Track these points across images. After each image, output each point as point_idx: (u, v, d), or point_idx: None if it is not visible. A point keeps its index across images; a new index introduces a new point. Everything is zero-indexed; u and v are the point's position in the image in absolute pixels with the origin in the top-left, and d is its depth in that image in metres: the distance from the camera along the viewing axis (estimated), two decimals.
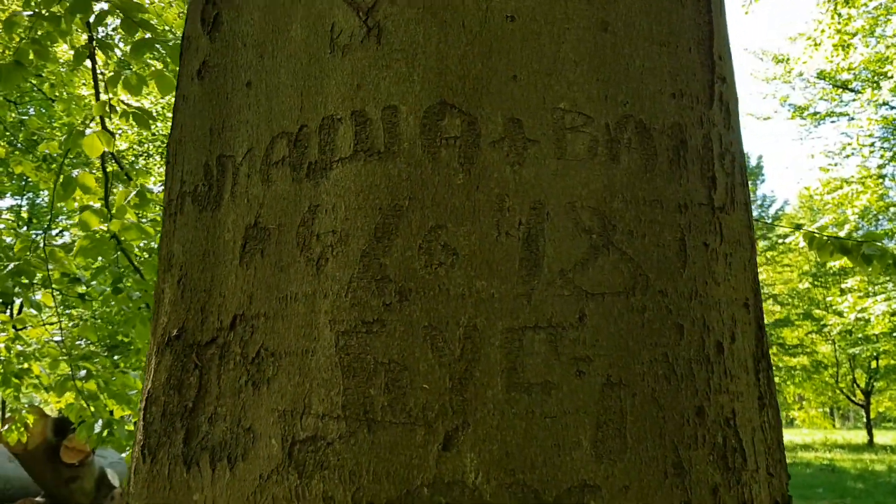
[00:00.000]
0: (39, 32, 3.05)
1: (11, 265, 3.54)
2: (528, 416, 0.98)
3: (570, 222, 1.06)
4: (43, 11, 3.00)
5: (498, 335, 1.01)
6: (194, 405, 1.13)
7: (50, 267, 3.77)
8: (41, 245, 3.80)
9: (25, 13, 3.08)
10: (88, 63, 4.11)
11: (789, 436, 32.25)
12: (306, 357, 1.04)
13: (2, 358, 4.94)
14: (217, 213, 1.20)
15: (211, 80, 1.28)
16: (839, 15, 15.30)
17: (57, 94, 6.75)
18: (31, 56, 3.12)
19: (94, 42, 3.57)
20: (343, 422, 0.99)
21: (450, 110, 1.07)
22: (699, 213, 1.16)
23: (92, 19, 3.09)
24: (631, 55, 1.17)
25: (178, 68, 1.46)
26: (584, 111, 1.11)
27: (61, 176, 3.49)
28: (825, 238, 3.46)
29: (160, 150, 14.40)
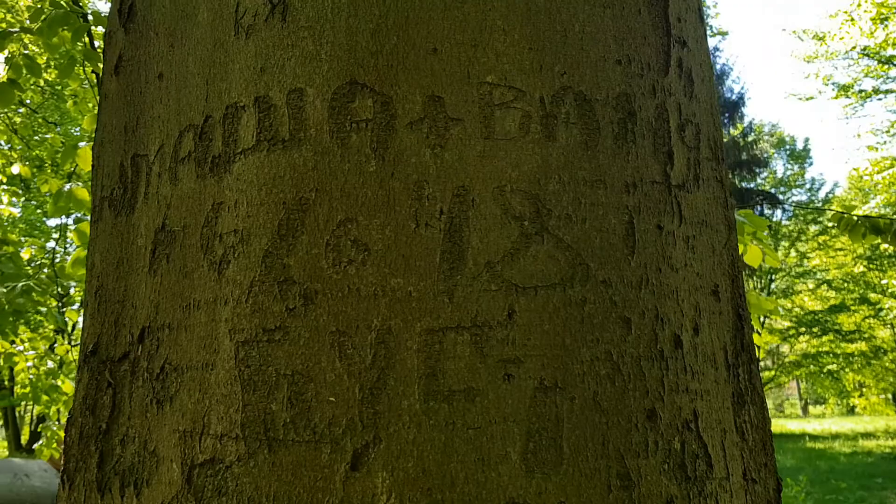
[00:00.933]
0: (31, 48, 3.04)
1: (20, 284, 3.53)
2: (449, 428, 0.87)
3: (499, 209, 0.95)
4: (31, 26, 2.97)
5: (415, 338, 0.90)
6: (108, 426, 1.04)
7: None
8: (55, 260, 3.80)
9: (12, 30, 3.06)
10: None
11: (850, 424, 31.38)
12: (206, 371, 0.94)
13: (31, 376, 4.97)
14: (131, 217, 1.11)
15: (125, 74, 1.19)
16: None
17: (81, 109, 6.81)
18: (24, 72, 3.10)
19: (86, 50, 3.54)
20: (242, 442, 0.89)
21: (361, 90, 0.97)
22: (652, 192, 1.04)
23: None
24: (569, 20, 1.05)
25: None
26: (515, 84, 1.00)
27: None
28: (855, 219, 3.27)
29: None
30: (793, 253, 34.42)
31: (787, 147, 37.55)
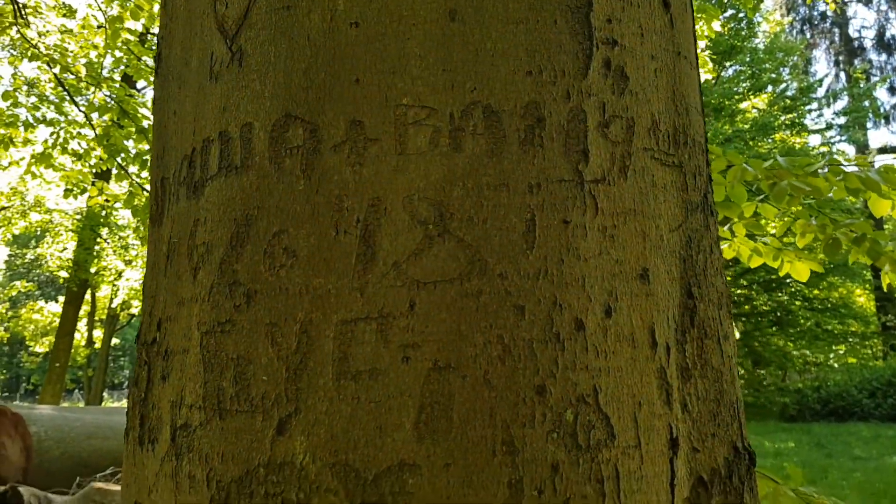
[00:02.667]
0: None
1: None
2: (354, 402, 1.06)
3: (407, 215, 1.11)
4: None
5: (332, 328, 1.09)
6: (145, 395, 1.33)
7: None
8: None
9: None
10: None
11: None
12: (185, 355, 1.19)
13: None
14: (160, 229, 1.38)
15: (157, 111, 1.46)
16: None
17: None
18: None
19: None
20: (203, 411, 1.13)
21: (293, 121, 1.16)
22: (558, 190, 1.15)
23: None
24: (481, 39, 1.17)
25: None
26: (428, 104, 1.15)
27: None
28: None
29: None
30: None
31: None
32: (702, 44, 7.87)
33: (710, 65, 8.31)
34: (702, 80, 8.43)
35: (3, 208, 19.01)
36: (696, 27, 7.80)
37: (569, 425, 1.08)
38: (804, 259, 3.27)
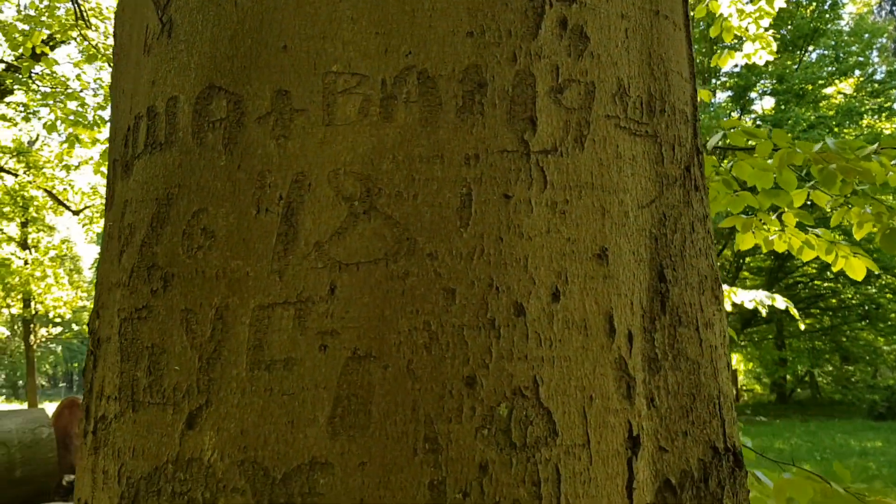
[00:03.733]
0: None
1: None
2: (266, 394, 0.98)
3: (332, 191, 1.02)
4: None
5: (248, 314, 1.01)
6: (90, 385, 1.27)
7: None
8: None
9: None
10: None
11: None
12: (107, 344, 1.12)
13: None
14: (108, 212, 1.33)
15: (111, 91, 1.41)
16: None
17: None
18: None
19: None
20: (118, 402, 1.06)
21: (217, 93, 1.08)
22: (499, 161, 1.04)
23: None
24: (418, 1, 1.07)
25: None
26: (359, 70, 1.05)
27: None
28: None
29: None
30: None
31: None
32: (765, 22, 7.52)
33: (774, 45, 7.92)
34: (766, 60, 8.07)
35: (86, 207, 19.70)
36: (757, 4, 7.47)
37: (502, 421, 0.97)
38: (860, 256, 3.02)
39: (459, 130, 1.04)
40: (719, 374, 1.19)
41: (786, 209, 3.11)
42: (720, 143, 3.26)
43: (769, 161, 2.98)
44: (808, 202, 3.16)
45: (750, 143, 3.18)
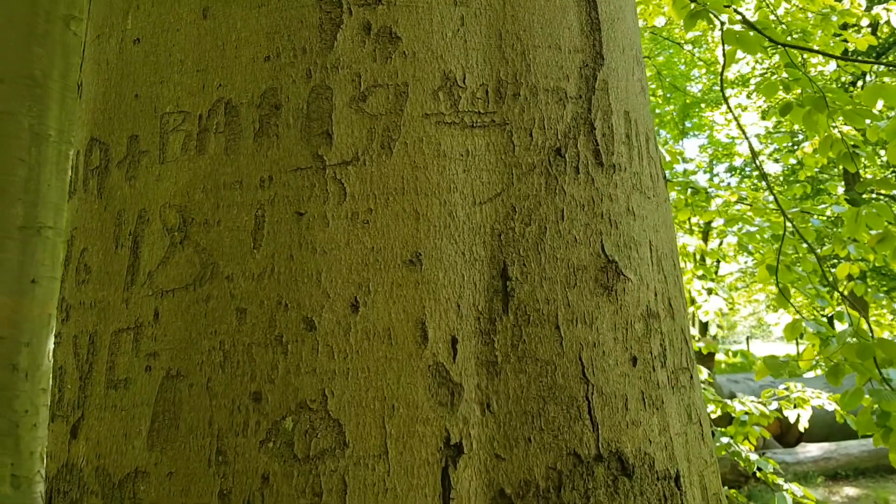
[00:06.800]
0: None
1: None
2: (112, 410, 1.12)
3: (161, 224, 1.13)
4: None
5: (109, 338, 1.16)
6: None
7: None
8: None
9: None
10: None
11: None
12: (51, 364, 1.34)
13: None
14: None
15: None
16: None
17: None
18: None
19: None
20: (49, 415, 1.27)
21: (95, 144, 1.24)
22: (293, 180, 1.07)
23: None
24: (227, 32, 1.13)
25: None
26: (184, 108, 1.15)
27: None
28: None
29: None
30: None
31: None
32: None
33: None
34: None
35: None
36: None
37: (287, 434, 1.02)
38: None
39: (256, 155, 1.08)
40: (591, 373, 1.09)
41: None
42: None
43: None
44: None
45: None
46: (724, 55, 3.20)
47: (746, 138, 3.84)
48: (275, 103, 1.08)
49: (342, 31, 1.09)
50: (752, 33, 2.94)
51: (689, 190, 5.50)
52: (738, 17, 3.06)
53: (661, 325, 1.23)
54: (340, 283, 1.04)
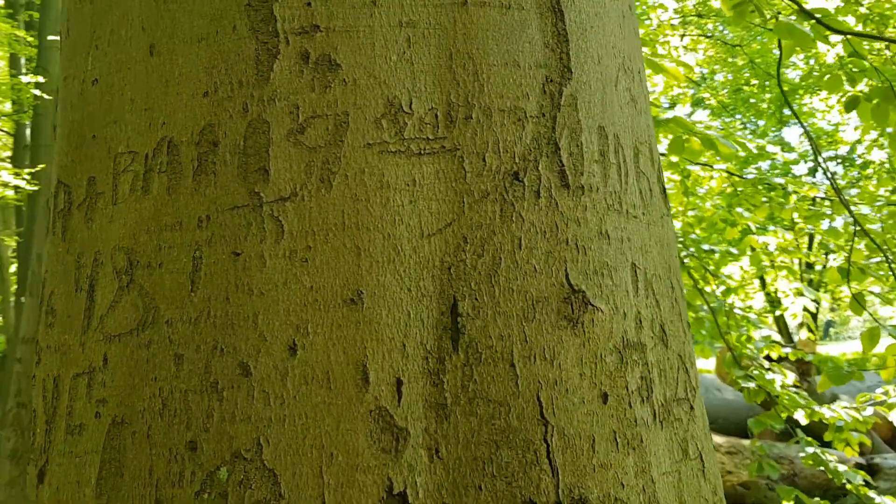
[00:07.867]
0: None
1: None
2: (70, 456, 1.11)
3: (111, 267, 1.12)
4: None
5: (69, 382, 1.15)
6: None
7: None
8: None
9: None
10: None
11: None
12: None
13: None
14: None
15: None
16: None
17: None
18: None
19: None
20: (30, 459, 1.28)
21: (61, 187, 1.24)
22: (230, 219, 1.03)
23: None
24: (171, 70, 1.11)
25: None
26: (134, 148, 1.13)
27: None
28: None
29: None
30: None
31: None
32: None
33: None
34: None
35: None
36: None
37: (221, 485, 0.98)
38: None
39: (195, 194, 1.05)
40: (551, 414, 1.02)
41: None
42: None
43: None
44: None
45: None
46: (780, 49, 3.01)
47: (809, 138, 3.61)
48: (213, 140, 1.05)
49: (279, 62, 1.05)
50: (806, 26, 2.73)
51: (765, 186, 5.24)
52: (796, 7, 2.86)
53: (647, 355, 1.14)
54: (277, 326, 1.00)
